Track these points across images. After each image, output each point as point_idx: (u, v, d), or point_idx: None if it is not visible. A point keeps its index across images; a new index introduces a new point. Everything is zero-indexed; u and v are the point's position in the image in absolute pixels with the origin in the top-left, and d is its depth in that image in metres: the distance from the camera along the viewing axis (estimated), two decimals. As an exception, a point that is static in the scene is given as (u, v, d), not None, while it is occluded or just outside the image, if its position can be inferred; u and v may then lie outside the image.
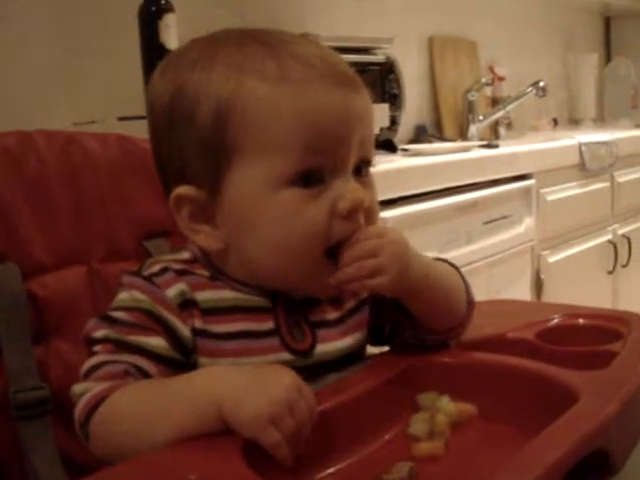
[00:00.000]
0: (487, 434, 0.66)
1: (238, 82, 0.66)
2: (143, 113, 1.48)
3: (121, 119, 1.53)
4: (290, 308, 0.72)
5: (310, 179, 0.67)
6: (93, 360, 0.66)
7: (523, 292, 2.18)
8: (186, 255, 0.72)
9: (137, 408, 0.61)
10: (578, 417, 0.57)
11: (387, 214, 1.62)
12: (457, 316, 0.74)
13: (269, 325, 0.70)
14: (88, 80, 1.73)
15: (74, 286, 0.84)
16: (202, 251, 0.72)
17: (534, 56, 3.29)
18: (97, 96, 1.72)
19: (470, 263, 1.87)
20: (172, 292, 0.68)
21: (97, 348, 0.67)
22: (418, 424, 0.65)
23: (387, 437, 0.66)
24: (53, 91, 1.68)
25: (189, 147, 0.68)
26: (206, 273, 0.71)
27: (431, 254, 1.78)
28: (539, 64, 3.28)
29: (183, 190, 0.69)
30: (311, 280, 0.70)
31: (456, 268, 0.77)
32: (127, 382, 0.64)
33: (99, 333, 0.67)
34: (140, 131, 0.93)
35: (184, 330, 0.67)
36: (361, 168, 0.70)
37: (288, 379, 0.59)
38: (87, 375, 0.65)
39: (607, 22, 3.97)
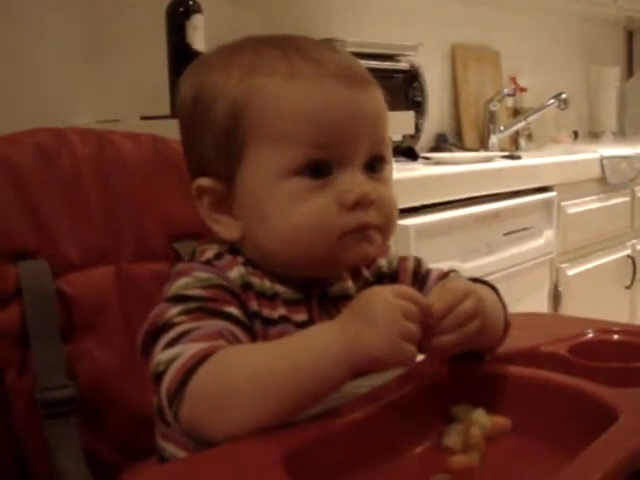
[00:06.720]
0: (520, 448, 0.65)
1: (251, 80, 0.69)
2: (167, 113, 1.48)
3: (144, 118, 1.53)
4: (324, 302, 0.72)
5: (317, 170, 0.68)
6: (179, 329, 0.63)
7: (541, 304, 2.17)
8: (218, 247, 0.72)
9: (253, 366, 0.60)
10: (620, 436, 0.56)
11: (408, 222, 1.62)
12: (496, 338, 0.73)
13: (302, 317, 0.70)
14: (113, 78, 1.73)
15: (102, 285, 0.83)
16: (224, 242, 0.72)
17: (556, 68, 3.27)
18: (121, 95, 1.72)
19: (489, 274, 1.86)
20: (233, 274, 0.69)
21: (178, 319, 0.64)
22: (452, 436, 0.64)
23: (420, 448, 0.65)
24: (78, 88, 1.68)
25: (207, 142, 0.71)
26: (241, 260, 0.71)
27: (451, 264, 1.77)
28: (561, 76, 3.26)
29: (203, 182, 0.72)
30: (325, 265, 0.70)
31: (495, 290, 0.76)
32: (224, 344, 0.62)
33: (174, 310, 0.65)
34: (162, 130, 0.94)
35: (248, 309, 0.68)
36: (374, 164, 0.71)
37: (381, 294, 0.61)
38: (170, 345, 0.62)
39: (630, 35, 3.95)
